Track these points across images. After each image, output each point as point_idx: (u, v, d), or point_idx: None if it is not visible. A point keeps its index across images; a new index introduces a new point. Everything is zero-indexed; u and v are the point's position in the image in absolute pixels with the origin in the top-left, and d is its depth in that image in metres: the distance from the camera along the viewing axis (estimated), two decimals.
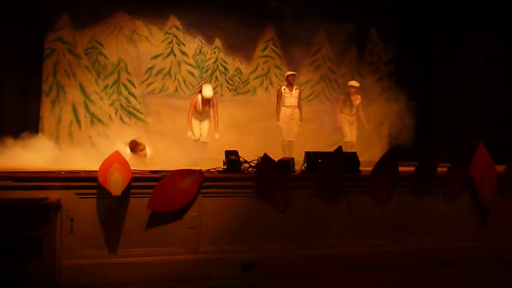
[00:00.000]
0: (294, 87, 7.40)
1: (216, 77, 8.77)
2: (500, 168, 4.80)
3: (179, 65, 8.57)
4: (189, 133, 7.03)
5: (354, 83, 7.81)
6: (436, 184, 4.61)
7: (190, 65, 8.66)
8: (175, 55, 8.56)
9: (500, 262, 4.56)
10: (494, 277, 4.32)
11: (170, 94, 8.52)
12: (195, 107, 6.95)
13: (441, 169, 4.66)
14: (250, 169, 4.46)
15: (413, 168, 4.59)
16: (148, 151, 5.98)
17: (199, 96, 6.92)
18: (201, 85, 7.33)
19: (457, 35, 8.42)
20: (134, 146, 5.65)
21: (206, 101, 6.91)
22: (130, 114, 8.26)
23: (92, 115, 8.09)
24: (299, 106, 7.43)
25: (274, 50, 9.08)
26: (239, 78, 8.89)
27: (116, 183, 3.74)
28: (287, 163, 4.43)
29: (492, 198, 4.72)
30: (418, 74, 8.79)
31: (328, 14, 8.70)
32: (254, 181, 4.16)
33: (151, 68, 8.45)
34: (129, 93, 8.31)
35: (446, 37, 8.54)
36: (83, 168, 4.33)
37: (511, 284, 4.22)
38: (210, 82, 8.69)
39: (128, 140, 5.67)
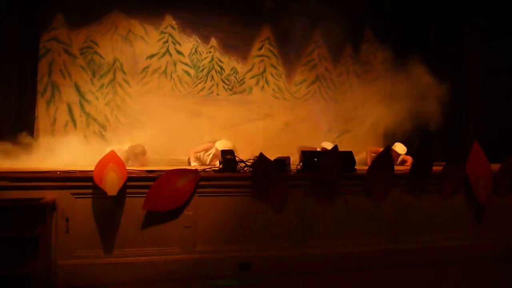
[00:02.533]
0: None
1: (212, 77, 8.73)
2: (495, 166, 4.82)
3: (174, 65, 8.53)
4: None
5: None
6: (431, 183, 4.63)
7: (186, 64, 8.61)
8: (170, 54, 8.52)
9: (495, 260, 4.58)
10: (489, 274, 4.34)
11: (166, 94, 8.48)
12: None
13: (437, 168, 4.67)
14: (246, 168, 4.46)
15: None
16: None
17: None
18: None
19: (452, 34, 8.43)
20: (140, 156, 5.68)
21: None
22: (126, 113, 8.22)
23: (88, 115, 8.04)
24: None
25: (270, 49, 9.05)
26: (235, 77, 8.86)
27: (111, 183, 3.73)
28: (283, 162, 4.43)
29: (487, 197, 4.74)
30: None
31: (323, 13, 8.70)
32: (250, 180, 4.17)
33: (146, 67, 8.40)
34: (125, 92, 8.27)
35: (442, 36, 8.55)
36: (79, 168, 4.31)
37: (507, 281, 4.25)
38: (205, 82, 8.67)
39: (125, 143, 5.68)
